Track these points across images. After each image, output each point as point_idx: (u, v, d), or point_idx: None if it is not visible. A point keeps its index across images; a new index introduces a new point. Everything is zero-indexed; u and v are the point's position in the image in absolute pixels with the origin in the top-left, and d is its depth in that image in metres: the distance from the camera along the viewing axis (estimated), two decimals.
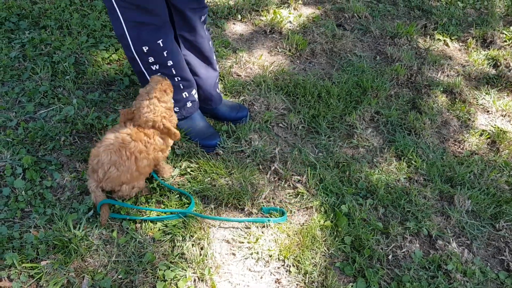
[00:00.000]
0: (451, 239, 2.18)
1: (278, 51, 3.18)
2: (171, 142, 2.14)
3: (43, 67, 2.66)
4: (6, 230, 1.91)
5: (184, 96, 2.36)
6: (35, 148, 2.27)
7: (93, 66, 2.74)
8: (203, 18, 2.25)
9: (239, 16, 3.44)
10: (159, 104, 1.99)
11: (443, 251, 2.12)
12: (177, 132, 2.05)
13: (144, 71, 2.17)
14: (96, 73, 2.70)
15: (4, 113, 2.40)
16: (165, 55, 2.14)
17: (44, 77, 2.62)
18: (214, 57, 2.44)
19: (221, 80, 2.85)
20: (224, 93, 2.76)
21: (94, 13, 3.12)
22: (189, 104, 2.40)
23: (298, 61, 3.12)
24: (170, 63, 2.18)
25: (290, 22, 3.45)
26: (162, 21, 2.08)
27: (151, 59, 2.13)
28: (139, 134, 1.97)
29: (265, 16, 3.47)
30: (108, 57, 2.82)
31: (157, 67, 2.17)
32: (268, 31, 3.35)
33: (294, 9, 3.60)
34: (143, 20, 2.02)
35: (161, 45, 2.09)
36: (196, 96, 2.42)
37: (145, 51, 2.09)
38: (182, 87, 2.31)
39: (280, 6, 3.59)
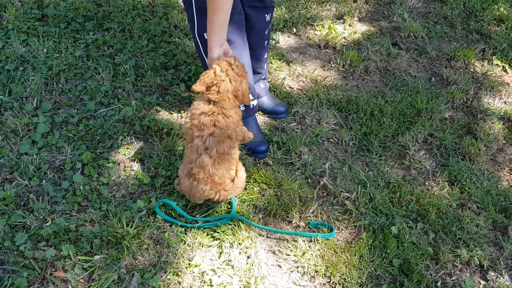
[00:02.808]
0: (503, 271, 2.10)
1: (331, 66, 3.18)
2: None
3: (105, 68, 2.77)
4: (63, 221, 1.99)
5: None
6: (94, 145, 2.35)
7: (151, 70, 2.83)
8: (267, 17, 2.34)
9: (294, 30, 3.47)
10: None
11: (494, 283, 2.05)
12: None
13: (204, 56, 2.24)
14: (154, 76, 2.78)
15: (67, 109, 2.50)
16: (230, 55, 2.18)
17: (106, 77, 2.72)
18: (265, 57, 2.52)
19: (274, 91, 2.87)
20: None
21: (155, 18, 3.22)
22: (242, 108, 2.43)
23: (351, 77, 3.11)
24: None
25: (344, 38, 3.45)
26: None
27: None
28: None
29: (320, 30, 3.48)
30: (166, 62, 2.90)
31: None
32: (322, 45, 3.36)
33: (349, 25, 3.60)
34: None
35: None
36: (253, 104, 2.46)
37: (206, 37, 2.13)
38: None
39: (335, 22, 3.60)
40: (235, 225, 2.08)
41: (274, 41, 3.30)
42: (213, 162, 1.95)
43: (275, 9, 3.56)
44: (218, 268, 1.94)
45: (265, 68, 2.64)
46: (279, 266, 2.01)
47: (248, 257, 2.01)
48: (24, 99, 2.51)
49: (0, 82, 2.57)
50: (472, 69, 3.28)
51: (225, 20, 1.87)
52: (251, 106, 2.46)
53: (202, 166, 1.95)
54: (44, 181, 2.15)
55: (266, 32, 2.49)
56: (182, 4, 3.47)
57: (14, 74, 2.62)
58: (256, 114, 2.55)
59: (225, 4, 1.83)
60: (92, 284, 1.82)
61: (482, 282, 2.06)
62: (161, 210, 2.10)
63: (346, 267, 2.00)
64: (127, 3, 3.29)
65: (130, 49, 2.93)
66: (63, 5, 3.16)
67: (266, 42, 2.53)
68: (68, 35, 2.99)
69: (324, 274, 1.99)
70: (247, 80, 2.02)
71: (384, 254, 2.08)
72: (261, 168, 2.37)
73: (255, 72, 2.58)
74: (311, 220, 2.19)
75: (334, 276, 1.97)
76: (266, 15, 2.41)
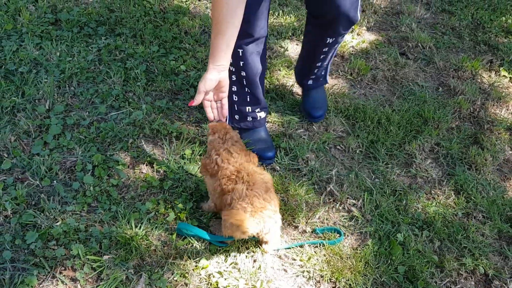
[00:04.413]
0: (508, 281, 2.11)
1: (339, 74, 3.21)
2: None
3: (117, 72, 2.81)
4: (73, 221, 2.02)
5: (247, 110, 2.43)
6: (105, 147, 2.39)
7: (162, 75, 2.87)
8: (329, 40, 2.35)
9: (303, 38, 3.51)
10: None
11: None
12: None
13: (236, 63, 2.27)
14: (164, 81, 2.82)
15: (78, 111, 2.55)
16: (241, 64, 2.24)
17: (117, 81, 2.76)
18: (321, 57, 2.53)
19: (282, 98, 2.90)
20: (285, 111, 2.82)
21: (166, 25, 3.28)
22: (249, 118, 2.47)
23: (358, 86, 3.14)
24: (243, 73, 2.28)
25: (352, 47, 3.49)
26: (247, 32, 2.11)
27: (241, 63, 2.25)
28: None
29: None
30: (176, 68, 2.95)
31: (233, 69, 2.28)
32: None
33: (358, 34, 3.63)
34: None
35: (240, 54, 2.19)
36: (261, 116, 2.49)
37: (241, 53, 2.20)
38: (248, 100, 2.38)
39: None
40: None
41: (282, 49, 3.34)
42: (247, 185, 1.89)
43: (283, 17, 3.61)
44: (224, 270, 1.96)
45: (316, 72, 2.64)
46: (285, 270, 2.03)
47: (255, 261, 2.03)
48: (36, 101, 2.56)
49: (14, 84, 2.62)
50: (479, 80, 3.30)
51: (228, 46, 1.79)
52: (258, 118, 2.49)
53: (239, 194, 1.87)
54: (55, 181, 2.19)
55: (325, 50, 2.45)
56: (192, 10, 3.52)
57: (28, 77, 2.67)
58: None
59: (228, 30, 1.76)
60: (101, 283, 1.85)
61: None
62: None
63: (352, 273, 2.02)
64: (139, 9, 3.34)
65: (141, 54, 2.97)
66: (76, 10, 3.22)
67: (322, 56, 2.51)
68: (80, 39, 3.04)
69: (330, 279, 2.00)
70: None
71: (389, 261, 2.09)
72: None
73: (305, 68, 2.64)
74: (317, 226, 2.21)
75: (339, 281, 1.99)
76: (328, 38, 2.36)
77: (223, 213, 1.92)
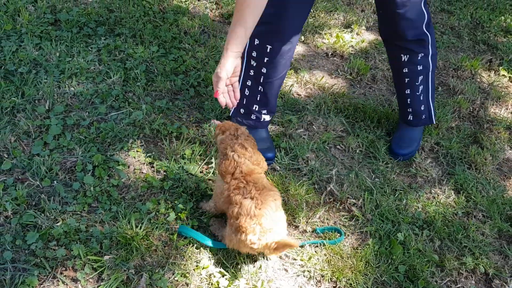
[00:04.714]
0: (508, 280, 2.12)
1: (338, 74, 3.22)
2: None
3: (116, 72, 2.81)
4: (74, 222, 2.02)
5: (253, 108, 2.45)
6: (105, 148, 2.39)
7: (162, 75, 2.87)
8: (404, 57, 2.41)
9: (302, 38, 3.51)
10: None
11: None
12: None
13: (245, 56, 2.30)
14: (164, 82, 2.82)
15: (78, 112, 2.55)
16: (265, 61, 2.25)
17: (117, 81, 2.76)
18: (407, 92, 2.56)
19: (282, 97, 2.90)
20: (285, 111, 2.82)
21: (166, 25, 3.27)
22: (253, 117, 2.47)
23: (358, 86, 3.14)
24: (263, 70, 2.30)
25: (352, 46, 3.49)
26: (281, 31, 2.16)
27: (254, 53, 2.27)
28: None
29: (328, 39, 3.52)
30: (176, 68, 2.94)
31: (255, 64, 2.30)
32: (329, 54, 3.40)
33: (357, 34, 3.63)
34: (270, 20, 2.08)
35: (267, 50, 2.21)
36: (265, 118, 2.50)
37: (255, 43, 2.22)
38: (258, 99, 2.41)
39: (343, 31, 3.64)
40: None
41: None
42: (255, 203, 1.83)
43: None
44: (225, 270, 1.96)
45: (406, 108, 2.62)
46: (286, 270, 2.03)
47: (255, 261, 2.03)
48: (36, 101, 2.56)
49: (13, 84, 2.62)
50: (478, 79, 3.31)
51: (246, 35, 1.83)
52: (262, 120, 2.50)
53: (247, 212, 1.81)
54: (55, 182, 2.19)
55: (405, 71, 2.46)
56: (192, 10, 3.52)
57: (27, 77, 2.67)
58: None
59: (249, 19, 1.79)
60: (101, 283, 1.85)
61: None
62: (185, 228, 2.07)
63: (352, 272, 2.02)
64: (138, 9, 3.34)
65: (141, 54, 2.97)
66: (76, 10, 3.21)
67: (406, 79, 2.51)
68: (80, 40, 3.04)
69: (330, 279, 2.01)
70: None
71: (390, 260, 2.09)
72: (268, 173, 2.40)
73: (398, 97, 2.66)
74: (317, 226, 2.21)
75: (340, 281, 1.99)
76: (402, 55, 2.40)
77: (229, 227, 1.90)
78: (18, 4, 3.16)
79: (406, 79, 2.50)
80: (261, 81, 2.34)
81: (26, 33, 2.97)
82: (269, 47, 2.21)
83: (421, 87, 2.52)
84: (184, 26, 3.31)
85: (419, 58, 2.41)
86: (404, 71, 2.47)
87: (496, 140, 2.80)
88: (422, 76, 2.49)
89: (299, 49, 3.41)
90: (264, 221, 1.79)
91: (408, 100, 2.58)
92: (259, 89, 2.38)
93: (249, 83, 2.38)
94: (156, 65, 2.94)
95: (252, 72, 2.34)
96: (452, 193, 2.46)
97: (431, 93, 2.60)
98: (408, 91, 2.55)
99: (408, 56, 2.40)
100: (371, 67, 3.27)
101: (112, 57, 2.94)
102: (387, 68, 3.27)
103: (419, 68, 2.45)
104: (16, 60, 2.77)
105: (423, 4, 2.25)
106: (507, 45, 3.64)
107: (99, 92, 2.69)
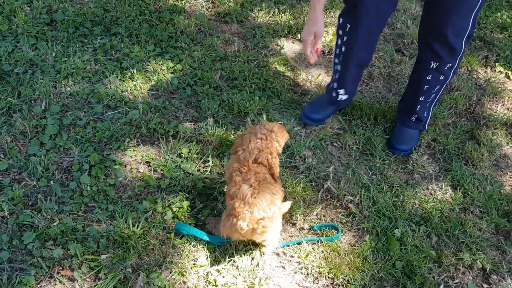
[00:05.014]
0: (505, 275, 2.12)
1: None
2: None
3: (113, 72, 2.81)
4: (71, 221, 2.02)
5: (332, 85, 2.68)
6: (101, 147, 2.39)
7: (158, 74, 2.87)
8: (433, 64, 2.42)
9: (299, 36, 3.51)
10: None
11: (497, 286, 2.07)
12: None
13: (336, 32, 2.50)
14: (160, 81, 2.82)
15: (75, 111, 2.54)
16: (345, 39, 2.44)
17: (113, 81, 2.76)
18: (420, 99, 2.58)
19: (278, 96, 2.90)
20: (281, 109, 2.82)
21: (162, 24, 3.27)
22: (334, 94, 2.69)
23: None
24: (343, 49, 2.47)
25: None
26: (363, 19, 2.32)
27: (340, 32, 2.46)
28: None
29: (324, 37, 3.52)
30: (172, 67, 2.94)
31: (340, 42, 2.49)
32: (326, 51, 3.40)
33: None
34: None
35: (353, 35, 2.39)
36: (340, 95, 2.66)
37: (340, 22, 2.45)
38: (336, 76, 2.62)
39: None
40: None
41: (278, 47, 3.34)
42: (252, 191, 1.86)
43: (279, 15, 3.61)
44: (223, 268, 1.96)
45: (412, 112, 2.63)
46: (283, 267, 2.03)
47: (253, 258, 2.03)
48: (32, 101, 2.56)
49: (10, 85, 2.62)
50: (475, 76, 3.31)
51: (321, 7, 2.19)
52: (335, 96, 2.67)
53: (242, 196, 1.85)
54: (52, 181, 2.19)
55: (428, 78, 2.46)
56: (188, 9, 3.52)
57: (23, 77, 2.67)
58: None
59: None
60: (99, 283, 1.85)
61: (485, 286, 2.07)
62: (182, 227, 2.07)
63: (349, 269, 2.02)
64: (134, 9, 3.34)
65: (137, 54, 2.97)
66: (72, 10, 3.21)
67: (426, 86, 2.51)
68: (76, 40, 3.03)
69: (328, 275, 2.01)
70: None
71: (387, 257, 2.10)
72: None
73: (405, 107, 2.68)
74: (314, 223, 2.21)
75: (337, 277, 1.99)
76: (432, 61, 2.39)
77: (225, 211, 1.93)
78: (14, 4, 3.16)
79: (426, 86, 2.50)
80: (340, 59, 2.54)
81: (22, 33, 2.97)
82: (357, 31, 2.36)
83: (432, 96, 2.53)
84: (180, 25, 3.31)
85: (445, 68, 2.39)
86: (427, 78, 2.45)
87: (492, 136, 2.81)
88: (439, 86, 2.49)
89: (296, 47, 3.41)
90: (256, 210, 1.82)
91: (418, 106, 2.58)
92: (336, 61, 2.58)
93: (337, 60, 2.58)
94: (152, 64, 2.94)
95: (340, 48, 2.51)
96: (449, 189, 2.47)
97: (436, 102, 2.61)
98: (422, 98, 2.55)
99: (437, 64, 2.39)
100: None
101: (108, 57, 2.94)
102: (384, 66, 3.27)
103: (441, 78, 2.44)
104: (12, 60, 2.77)
105: (473, 16, 2.21)
106: (504, 42, 3.64)
107: (95, 91, 2.68)
